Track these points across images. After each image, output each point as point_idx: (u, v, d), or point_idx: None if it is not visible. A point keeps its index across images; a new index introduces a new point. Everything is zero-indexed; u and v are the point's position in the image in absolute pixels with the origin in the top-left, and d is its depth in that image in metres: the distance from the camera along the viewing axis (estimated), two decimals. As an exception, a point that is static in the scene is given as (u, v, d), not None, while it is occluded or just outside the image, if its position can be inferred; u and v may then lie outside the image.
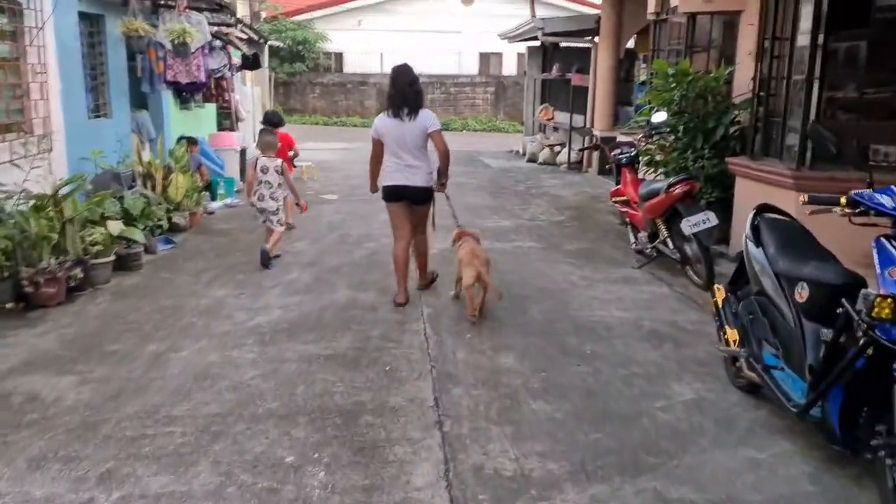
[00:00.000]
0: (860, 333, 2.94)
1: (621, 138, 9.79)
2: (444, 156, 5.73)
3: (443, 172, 5.83)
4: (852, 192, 3.23)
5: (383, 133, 5.72)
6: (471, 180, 13.41)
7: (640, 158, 7.83)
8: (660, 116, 7.42)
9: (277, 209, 7.19)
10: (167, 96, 10.76)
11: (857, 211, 3.21)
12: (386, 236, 8.15)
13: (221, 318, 5.43)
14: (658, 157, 8.14)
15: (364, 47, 29.88)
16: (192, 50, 8.31)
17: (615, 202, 7.66)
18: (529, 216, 9.91)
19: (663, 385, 4.32)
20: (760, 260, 3.90)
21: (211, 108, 13.26)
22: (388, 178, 5.78)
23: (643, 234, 7.11)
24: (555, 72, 16.47)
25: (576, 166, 15.03)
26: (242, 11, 32.46)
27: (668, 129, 7.63)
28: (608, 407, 4.02)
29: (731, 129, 7.68)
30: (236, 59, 12.95)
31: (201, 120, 12.66)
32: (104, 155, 7.90)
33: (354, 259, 7.30)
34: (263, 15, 30.89)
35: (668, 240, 6.62)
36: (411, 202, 5.82)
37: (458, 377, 4.38)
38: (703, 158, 7.74)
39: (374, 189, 6.23)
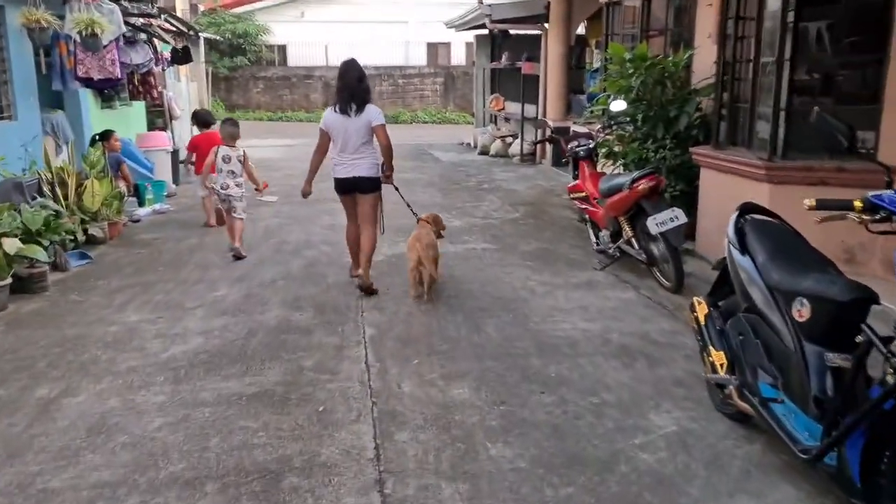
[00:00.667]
0: (891, 371, 2.40)
1: (576, 129, 9.25)
2: (387, 150, 5.84)
3: (387, 165, 5.94)
4: (869, 194, 2.69)
5: (330, 127, 5.87)
6: (420, 176, 12.77)
7: (599, 151, 7.28)
8: (618, 105, 6.88)
9: (241, 196, 7.30)
10: (86, 94, 9.86)
11: (876, 217, 2.67)
12: (326, 243, 7.50)
13: (131, 350, 4.70)
14: (617, 149, 7.62)
15: (308, 39, 28.93)
16: (105, 42, 7.46)
17: (573, 198, 7.10)
18: (482, 214, 9.31)
19: (640, 415, 3.76)
20: (748, 270, 3.35)
21: (139, 106, 12.35)
22: (335, 171, 5.98)
23: (605, 233, 6.57)
24: (504, 60, 15.90)
25: (529, 158, 14.50)
26: (181, 5, 31.30)
27: (627, 119, 7.08)
28: (579, 448, 3.43)
29: (694, 118, 7.18)
30: (166, 54, 12.07)
31: (128, 119, 11.75)
32: (6, 162, 7.04)
33: (291, 271, 6.60)
34: (202, 7, 29.77)
35: (633, 239, 6.08)
36: (358, 192, 5.95)
37: (403, 416, 3.74)
38: (664, 149, 7.23)
39: (307, 188, 6.38)
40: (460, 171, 13.42)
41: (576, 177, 7.10)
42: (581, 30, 14.62)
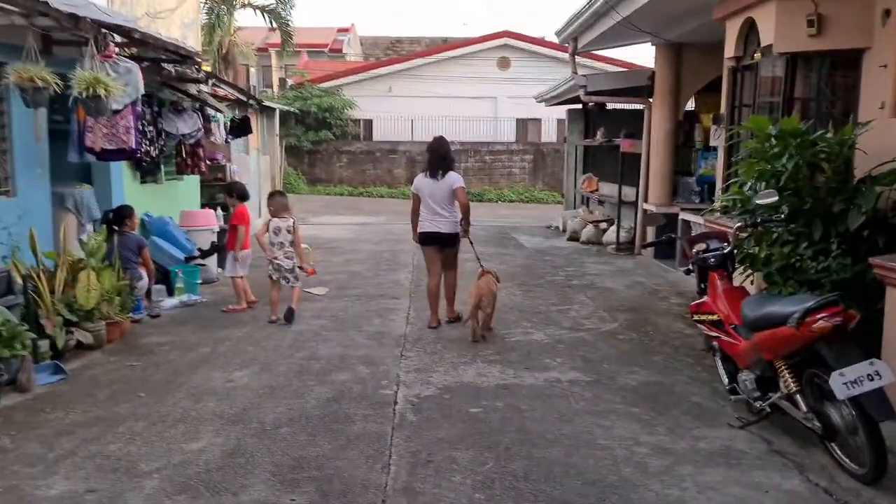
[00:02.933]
0: None
1: (706, 224, 7.32)
2: (465, 207, 7.01)
3: (464, 220, 7.04)
4: None
5: (420, 189, 7.07)
6: (499, 265, 10.99)
7: (737, 257, 5.33)
8: (768, 196, 4.96)
9: (293, 267, 7.40)
10: (120, 167, 8.71)
11: None
12: (366, 362, 5.80)
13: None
14: (757, 252, 5.67)
15: (394, 114, 28.18)
16: (117, 107, 6.19)
17: (699, 321, 5.14)
18: (570, 323, 7.43)
19: None
20: None
21: (192, 180, 11.23)
22: (422, 225, 7.10)
23: (747, 376, 4.58)
24: (599, 137, 14.19)
25: (626, 248, 12.55)
26: (272, 77, 31.36)
27: (780, 216, 5.13)
28: None
29: (870, 214, 5.19)
30: (215, 125, 10.94)
31: (176, 195, 10.60)
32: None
33: (306, 408, 4.86)
34: (290, 81, 29.66)
35: (798, 396, 4.08)
36: (441, 245, 7.09)
37: None
38: (826, 256, 5.24)
39: (415, 237, 7.31)
40: (546, 261, 11.60)
41: (702, 291, 5.16)
42: (690, 104, 12.85)
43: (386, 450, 4.16)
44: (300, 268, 7.53)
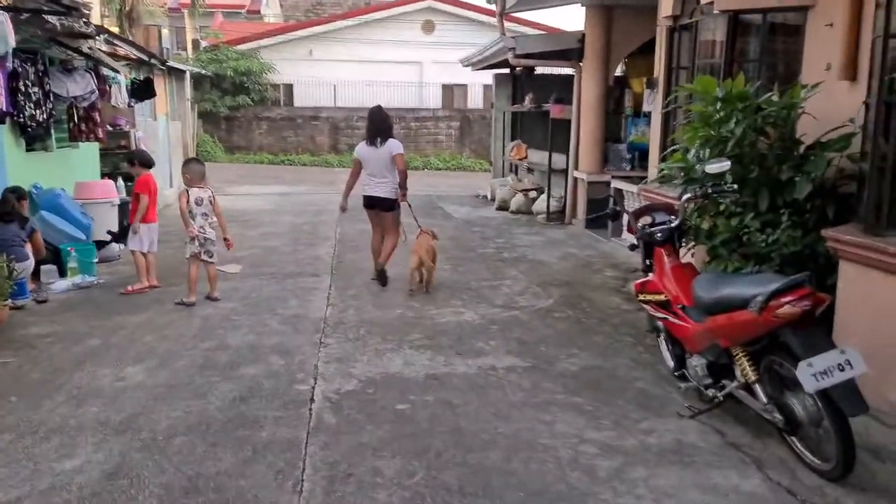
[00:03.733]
0: None
1: (621, 187, 6.91)
2: (402, 173, 7.30)
3: (402, 185, 7.31)
4: None
5: (362, 156, 7.41)
6: (426, 238, 10.48)
7: (686, 231, 4.93)
8: (720, 165, 4.55)
9: (214, 240, 6.83)
10: (0, 133, 7.72)
11: None
12: (281, 351, 5.19)
13: None
14: (702, 224, 5.30)
15: (315, 79, 27.07)
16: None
17: (644, 301, 4.73)
18: (504, 300, 6.97)
19: None
20: None
21: (89, 148, 10.22)
22: (364, 190, 7.44)
23: (698, 362, 4.20)
24: (528, 102, 13.72)
25: (557, 217, 12.20)
26: (185, 39, 29.65)
27: (733, 186, 4.72)
28: None
29: (818, 182, 4.87)
30: (116, 87, 9.95)
31: (72, 165, 9.62)
32: None
33: (208, 410, 4.23)
34: (204, 43, 28.08)
35: (757, 386, 3.71)
36: (380, 209, 7.41)
37: None
38: (775, 228, 4.91)
39: (343, 205, 7.79)
40: (475, 233, 11.13)
41: (648, 268, 4.75)
42: (619, 70, 12.51)
43: (299, 461, 3.59)
44: (225, 239, 6.89)
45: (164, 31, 30.63)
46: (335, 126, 26.99)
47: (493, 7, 14.88)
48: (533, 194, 13.36)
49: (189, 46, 29.01)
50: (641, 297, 4.71)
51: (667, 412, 4.31)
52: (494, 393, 4.58)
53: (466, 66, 16.46)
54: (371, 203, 7.42)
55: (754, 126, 5.12)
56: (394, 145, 7.29)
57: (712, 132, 5.21)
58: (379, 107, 7.74)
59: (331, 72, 26.98)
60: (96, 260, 7.90)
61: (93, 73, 8.75)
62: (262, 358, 5.14)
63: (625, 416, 4.24)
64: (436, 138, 27.15)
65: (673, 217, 4.65)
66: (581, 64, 11.49)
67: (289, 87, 28.06)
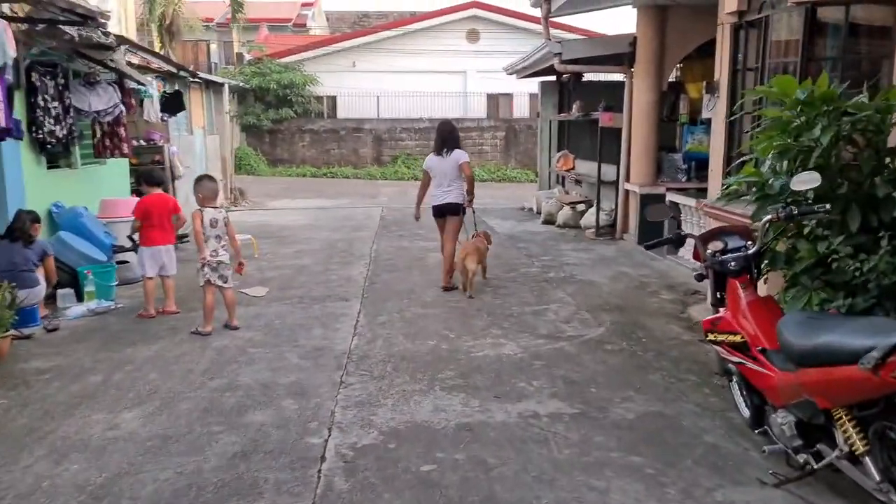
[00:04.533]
0: None
1: (678, 200, 6.09)
2: (469, 179, 7.72)
3: (469, 192, 7.74)
4: None
5: (430, 167, 7.83)
6: (467, 256, 9.85)
7: (765, 260, 4.18)
8: (809, 179, 3.82)
9: (229, 263, 6.31)
10: (17, 151, 7.35)
11: None
12: (296, 394, 4.58)
13: None
14: (780, 248, 4.54)
15: (359, 90, 26.74)
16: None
17: (714, 342, 4.00)
18: (549, 329, 6.29)
19: None
20: None
21: (117, 164, 9.87)
22: (433, 200, 7.81)
23: (784, 419, 3.45)
24: (575, 110, 13.01)
25: (606, 232, 11.45)
26: (233, 54, 29.66)
27: (824, 207, 3.96)
28: None
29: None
30: (148, 101, 9.60)
31: (95, 181, 9.25)
32: None
33: (203, 470, 3.65)
34: (247, 56, 28.04)
35: (868, 459, 2.97)
36: (448, 214, 7.74)
37: None
38: (869, 253, 4.13)
39: (417, 214, 8.19)
40: (520, 249, 10.45)
41: (719, 301, 4.02)
42: (672, 75, 11.72)
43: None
44: (239, 263, 6.37)
45: (213, 47, 30.91)
46: (378, 138, 26.61)
47: (538, 13, 14.22)
48: (581, 207, 12.62)
49: (234, 59, 29.03)
50: (712, 336, 3.97)
51: (745, 477, 3.58)
52: (537, 449, 3.91)
53: (511, 73, 15.81)
54: (441, 212, 7.76)
55: (840, 133, 4.37)
56: (460, 155, 7.72)
57: (791, 141, 4.46)
58: (447, 120, 8.38)
59: (374, 83, 26.64)
60: (115, 283, 7.47)
61: (116, 87, 8.36)
62: (274, 401, 4.56)
63: (695, 483, 3.53)
64: (481, 149, 26.53)
65: (749, 242, 3.92)
66: (632, 69, 10.74)
67: (332, 99, 27.82)
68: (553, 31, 15.08)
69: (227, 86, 15.58)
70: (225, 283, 6.23)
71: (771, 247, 4.50)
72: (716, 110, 8.09)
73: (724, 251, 3.92)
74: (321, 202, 17.15)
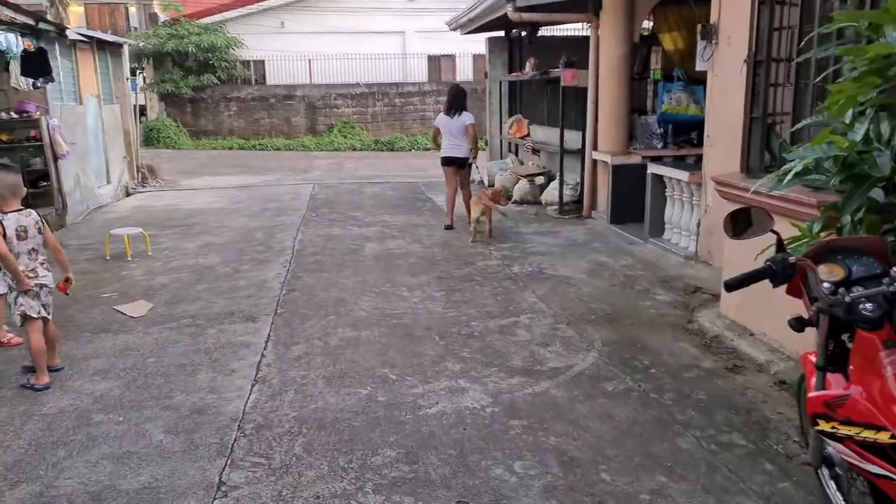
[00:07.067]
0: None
1: (663, 173, 4.13)
2: (473, 139, 8.87)
3: (473, 148, 8.92)
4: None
5: (441, 124, 9.02)
6: (409, 247, 8.16)
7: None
8: None
9: (52, 286, 4.45)
10: None
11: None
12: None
13: None
14: None
15: (289, 54, 24.54)
16: None
17: (836, 437, 2.36)
18: (523, 358, 4.66)
19: None
20: None
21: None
22: (443, 151, 9.07)
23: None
24: (529, 69, 11.36)
25: (572, 209, 9.88)
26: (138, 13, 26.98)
27: None
28: None
29: None
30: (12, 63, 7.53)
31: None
32: None
33: None
34: (162, 17, 25.46)
35: None
36: (456, 166, 9.00)
37: None
38: None
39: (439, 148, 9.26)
40: (473, 234, 8.79)
41: (834, 364, 2.39)
42: (645, 24, 10.14)
43: None
44: (66, 280, 4.53)
45: (132, 9, 28.13)
46: (312, 105, 24.55)
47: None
48: (540, 180, 11.02)
49: (144, 20, 26.41)
50: (826, 427, 2.34)
51: None
52: None
53: (454, 28, 13.99)
54: (449, 161, 8.97)
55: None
56: (466, 117, 8.84)
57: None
58: (456, 84, 10.22)
59: (305, 45, 24.51)
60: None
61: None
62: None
63: None
64: (423, 115, 24.71)
65: (891, 269, 2.30)
66: (599, 17, 9.09)
67: (260, 64, 25.57)
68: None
69: (125, 47, 13.36)
70: (49, 313, 4.42)
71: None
72: (713, 61, 6.54)
73: (846, 282, 2.29)
74: (245, 179, 15.17)
